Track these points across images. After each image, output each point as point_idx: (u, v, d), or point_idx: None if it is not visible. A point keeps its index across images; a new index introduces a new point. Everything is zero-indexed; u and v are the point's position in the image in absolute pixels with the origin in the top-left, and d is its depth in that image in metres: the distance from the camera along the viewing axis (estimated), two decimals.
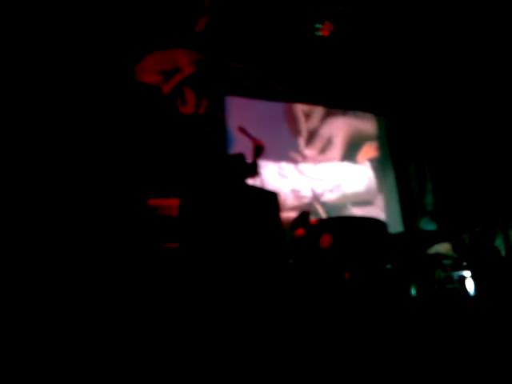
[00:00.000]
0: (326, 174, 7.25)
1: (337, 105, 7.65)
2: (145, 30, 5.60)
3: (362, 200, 7.35)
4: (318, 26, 6.46)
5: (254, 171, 3.46)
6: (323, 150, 7.37)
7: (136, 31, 5.45)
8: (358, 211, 7.22)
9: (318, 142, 7.35)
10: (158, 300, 2.90)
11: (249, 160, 3.46)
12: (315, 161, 7.23)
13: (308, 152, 7.22)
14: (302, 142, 7.20)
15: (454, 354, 2.52)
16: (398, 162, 7.87)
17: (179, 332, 2.45)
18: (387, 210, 7.46)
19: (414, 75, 7.62)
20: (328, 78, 7.37)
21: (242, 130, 3.74)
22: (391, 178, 7.77)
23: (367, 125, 7.94)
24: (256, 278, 2.77)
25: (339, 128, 7.61)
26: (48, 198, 3.39)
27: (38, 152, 3.60)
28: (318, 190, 7.09)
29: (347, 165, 7.49)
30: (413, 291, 4.96)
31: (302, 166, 7.11)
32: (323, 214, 6.91)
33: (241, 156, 3.42)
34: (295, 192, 6.90)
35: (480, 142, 7.08)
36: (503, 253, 5.56)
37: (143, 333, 2.53)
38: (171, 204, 3.29)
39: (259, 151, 3.52)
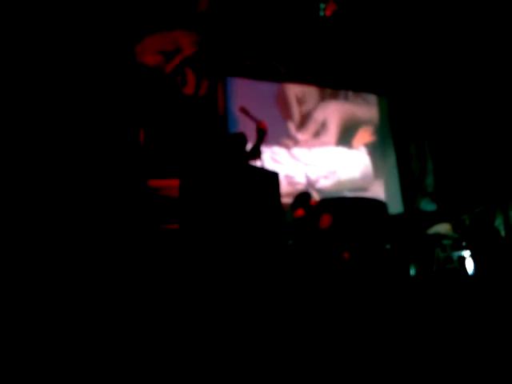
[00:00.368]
0: (320, 160, 7.14)
1: (340, 86, 7.59)
2: (146, 10, 5.53)
3: (358, 187, 7.27)
4: (322, 5, 6.38)
5: (256, 154, 3.41)
6: (317, 134, 7.26)
7: (137, 12, 5.38)
8: None
9: (312, 126, 7.25)
10: (158, 280, 2.92)
11: (252, 143, 3.40)
12: (309, 145, 7.13)
13: (301, 136, 7.11)
14: (294, 126, 7.10)
15: (453, 334, 2.54)
16: (399, 143, 7.84)
17: (179, 312, 2.47)
18: (387, 190, 7.44)
19: (415, 56, 7.54)
20: (330, 58, 7.30)
21: (244, 111, 3.57)
22: (392, 159, 7.75)
23: (362, 109, 7.82)
24: (256, 258, 2.78)
25: (333, 112, 7.50)
26: (46, 178, 3.39)
27: (37, 134, 3.59)
28: (313, 177, 6.99)
29: (342, 150, 7.39)
30: (412, 271, 4.99)
31: (296, 150, 7.01)
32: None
33: (241, 135, 3.37)
34: (289, 178, 6.81)
35: (481, 122, 7.04)
36: (503, 233, 5.58)
37: (143, 313, 2.54)
38: (171, 185, 3.28)
39: (262, 134, 3.43)
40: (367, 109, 7.88)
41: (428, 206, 7.37)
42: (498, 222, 5.67)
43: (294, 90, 7.21)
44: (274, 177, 3.21)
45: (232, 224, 2.81)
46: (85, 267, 2.99)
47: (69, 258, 3.03)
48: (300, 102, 7.24)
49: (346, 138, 7.48)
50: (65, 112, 3.89)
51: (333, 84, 7.53)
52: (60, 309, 2.56)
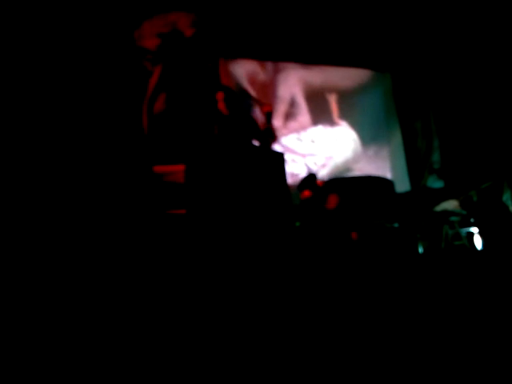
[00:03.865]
0: (315, 147, 6.69)
1: (342, 63, 7.48)
2: None
3: (351, 166, 6.95)
4: None
5: (271, 137, 3.38)
6: (291, 114, 6.64)
7: None
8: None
9: (281, 108, 6.57)
10: (166, 265, 2.92)
11: (262, 126, 3.38)
12: (291, 130, 6.57)
13: (276, 122, 6.24)
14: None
15: (461, 311, 2.54)
16: (404, 120, 7.76)
17: (187, 295, 2.48)
18: (394, 169, 7.39)
19: (419, 32, 7.41)
20: (333, 35, 7.17)
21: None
22: (398, 137, 7.68)
23: (320, 75, 7.24)
24: (264, 240, 2.78)
25: (296, 84, 6.85)
26: (52, 166, 3.39)
27: (42, 122, 3.57)
28: (314, 168, 6.47)
29: (327, 129, 6.97)
30: (420, 249, 4.98)
31: (285, 140, 6.44)
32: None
33: (250, 117, 3.35)
34: (294, 176, 6.14)
35: (486, 98, 6.96)
36: (511, 208, 5.54)
37: (150, 298, 2.55)
38: (177, 170, 3.27)
39: (270, 115, 3.41)
40: (322, 70, 7.32)
41: (435, 183, 7.33)
42: (506, 197, 5.63)
43: (244, 67, 6.61)
44: (279, 158, 3.19)
45: (239, 207, 2.80)
46: (92, 254, 3.00)
47: (75, 245, 3.05)
48: (251, 78, 6.59)
49: (320, 111, 6.99)
50: (68, 100, 3.86)
51: (333, 61, 7.40)
52: (63, 292, 2.58)
